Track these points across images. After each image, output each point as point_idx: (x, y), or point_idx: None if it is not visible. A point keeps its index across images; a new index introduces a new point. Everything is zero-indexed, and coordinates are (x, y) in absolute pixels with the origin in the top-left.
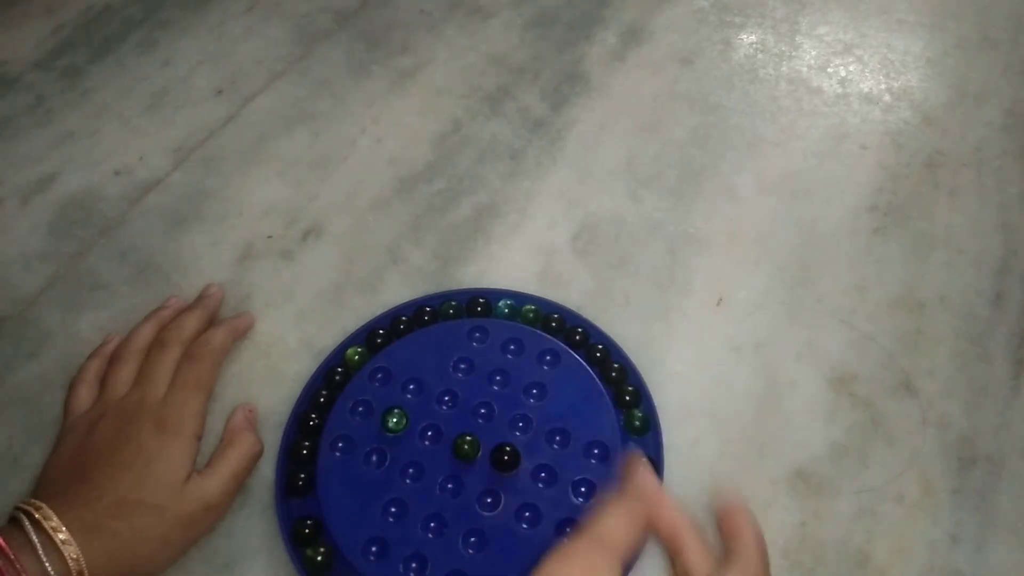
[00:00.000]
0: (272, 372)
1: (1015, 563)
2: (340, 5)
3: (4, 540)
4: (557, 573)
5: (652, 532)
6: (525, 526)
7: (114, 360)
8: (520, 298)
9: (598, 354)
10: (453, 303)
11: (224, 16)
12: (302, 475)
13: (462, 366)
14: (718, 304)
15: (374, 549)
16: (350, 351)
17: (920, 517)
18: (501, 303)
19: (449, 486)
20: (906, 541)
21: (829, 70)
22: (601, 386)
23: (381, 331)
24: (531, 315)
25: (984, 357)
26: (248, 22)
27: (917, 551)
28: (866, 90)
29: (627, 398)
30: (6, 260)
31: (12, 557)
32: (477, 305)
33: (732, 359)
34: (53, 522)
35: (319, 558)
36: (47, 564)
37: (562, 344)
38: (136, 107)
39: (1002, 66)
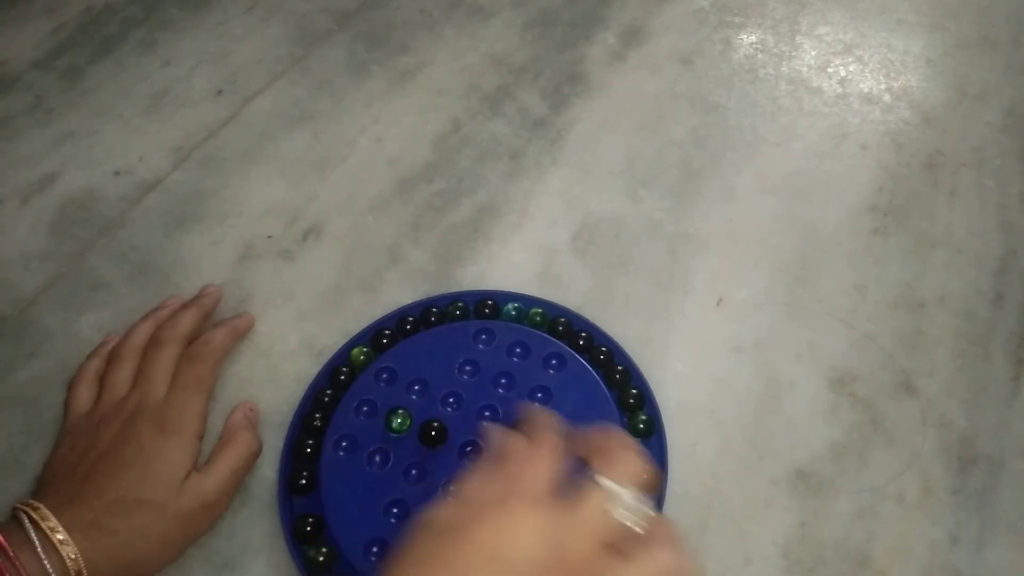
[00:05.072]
0: (272, 372)
1: (1015, 563)
2: (340, 5)
3: (4, 538)
4: (483, 537)
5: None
6: None
7: (112, 359)
8: (527, 301)
9: (602, 357)
10: (460, 304)
11: (224, 16)
12: (305, 473)
13: (467, 368)
14: (718, 304)
15: (375, 550)
16: (356, 351)
17: (920, 517)
18: (508, 306)
19: (452, 488)
20: (906, 541)
21: (829, 70)
22: (606, 390)
23: (387, 331)
24: (538, 318)
25: (984, 357)
26: (248, 22)
27: (917, 551)
28: (866, 90)
29: (631, 401)
30: (6, 260)
31: (12, 555)
32: (484, 307)
33: (732, 359)
34: (51, 522)
35: (320, 558)
36: (46, 562)
37: (568, 348)
38: (136, 107)
39: (1002, 66)
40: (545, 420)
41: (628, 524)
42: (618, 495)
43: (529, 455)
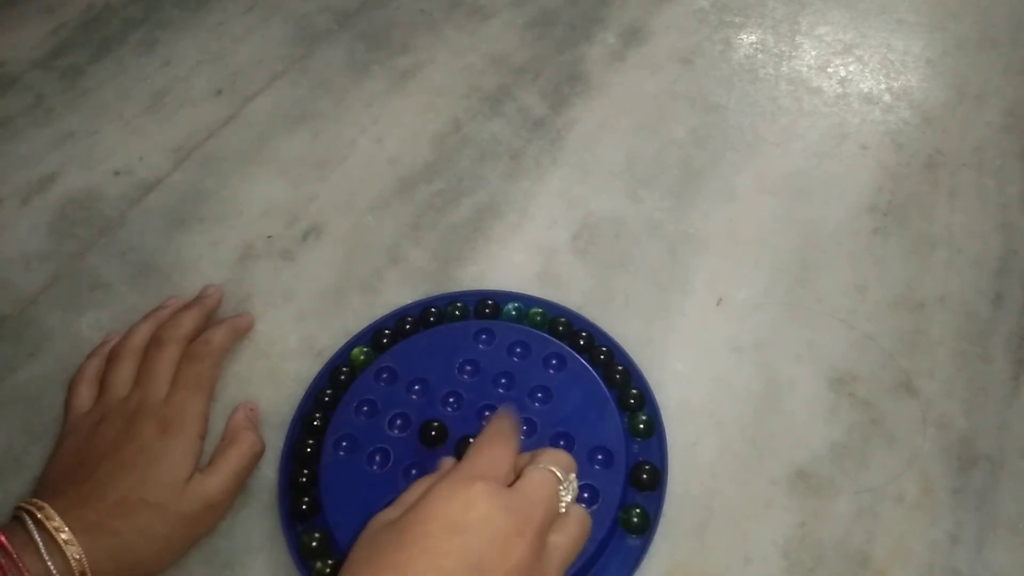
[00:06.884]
0: (272, 372)
1: (1015, 563)
2: (340, 5)
3: (6, 539)
4: (436, 510)
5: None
6: None
7: (113, 359)
8: (527, 301)
9: (602, 357)
10: (459, 304)
11: (224, 16)
12: (305, 471)
13: (468, 368)
14: (718, 304)
15: None
16: (356, 351)
17: (920, 517)
18: (509, 305)
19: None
20: (906, 541)
21: (829, 70)
22: (606, 390)
23: (387, 331)
24: (538, 318)
25: (984, 357)
26: (248, 22)
27: (917, 551)
28: (866, 90)
29: (632, 401)
30: (6, 260)
31: (15, 556)
32: (484, 307)
33: (732, 359)
34: (55, 522)
35: (320, 558)
36: (49, 563)
37: (568, 348)
38: (136, 107)
39: (1002, 66)
40: (504, 419)
41: (564, 505)
42: (569, 480)
43: (482, 444)
